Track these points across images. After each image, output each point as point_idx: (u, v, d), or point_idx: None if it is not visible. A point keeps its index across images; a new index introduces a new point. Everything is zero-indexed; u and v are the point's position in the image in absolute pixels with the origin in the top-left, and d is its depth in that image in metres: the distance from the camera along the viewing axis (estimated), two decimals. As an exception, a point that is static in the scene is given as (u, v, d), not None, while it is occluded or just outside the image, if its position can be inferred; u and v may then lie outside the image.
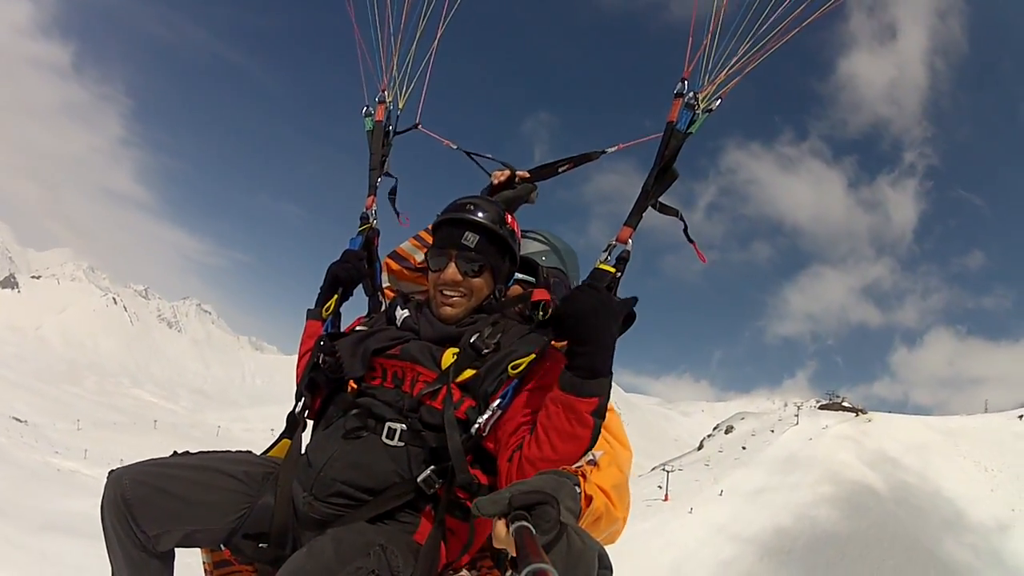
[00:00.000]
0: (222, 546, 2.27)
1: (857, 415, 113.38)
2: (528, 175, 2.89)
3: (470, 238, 2.37)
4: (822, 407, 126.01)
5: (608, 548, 1.68)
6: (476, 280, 2.39)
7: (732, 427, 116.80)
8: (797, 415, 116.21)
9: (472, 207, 2.43)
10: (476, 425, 2.11)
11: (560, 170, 2.89)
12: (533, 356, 2.17)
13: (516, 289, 2.69)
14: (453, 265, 2.37)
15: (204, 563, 2.45)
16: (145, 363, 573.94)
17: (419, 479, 2.10)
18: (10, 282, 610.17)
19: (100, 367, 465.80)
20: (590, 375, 2.01)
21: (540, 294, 2.48)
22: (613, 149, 2.76)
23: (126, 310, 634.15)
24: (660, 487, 74.00)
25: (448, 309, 2.38)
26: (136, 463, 2.24)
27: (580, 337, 2.05)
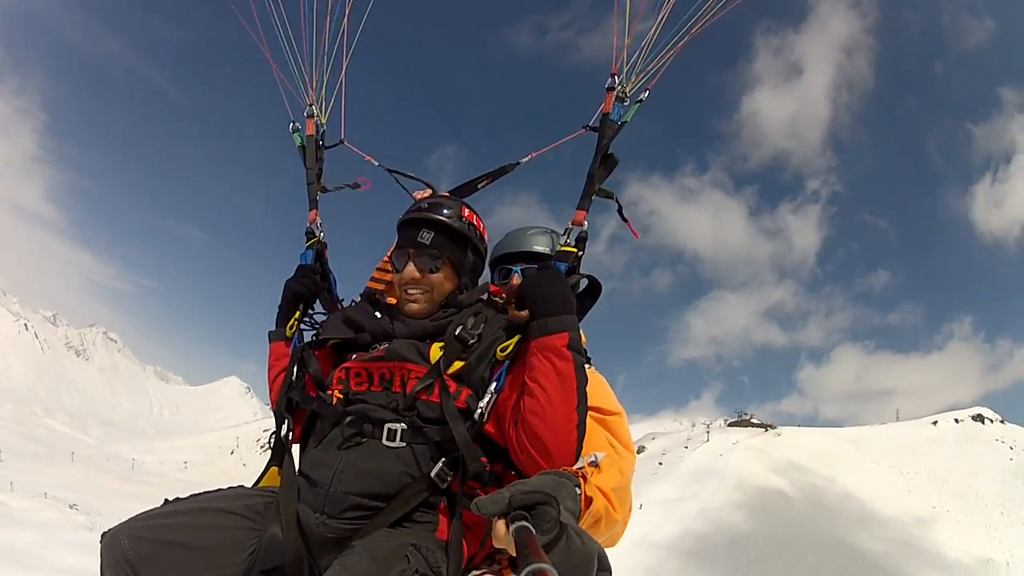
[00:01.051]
0: None
1: (766, 430, 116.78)
2: (448, 195, 2.87)
3: (425, 235, 2.44)
4: (731, 424, 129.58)
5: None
6: (435, 276, 2.44)
7: (643, 447, 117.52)
8: (707, 432, 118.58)
9: (428, 206, 2.51)
10: (478, 410, 2.15)
11: (480, 186, 2.91)
12: (519, 337, 2.23)
13: None
14: (411, 263, 2.44)
15: None
16: (56, 391, 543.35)
17: (432, 474, 2.11)
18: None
19: (14, 394, 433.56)
20: (551, 314, 2.12)
21: (494, 288, 2.64)
22: (527, 159, 2.83)
23: (37, 336, 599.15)
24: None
25: (412, 306, 2.43)
26: (129, 519, 2.13)
27: (533, 293, 2.18)
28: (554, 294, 2.16)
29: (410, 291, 2.44)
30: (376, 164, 3.05)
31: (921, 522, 77.68)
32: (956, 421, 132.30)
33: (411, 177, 2.95)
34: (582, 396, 2.07)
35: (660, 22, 2.56)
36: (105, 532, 2.08)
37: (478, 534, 2.12)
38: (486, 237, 2.66)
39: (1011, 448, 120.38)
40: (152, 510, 2.18)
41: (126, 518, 2.14)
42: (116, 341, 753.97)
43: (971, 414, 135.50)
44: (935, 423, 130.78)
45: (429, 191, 2.86)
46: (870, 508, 79.40)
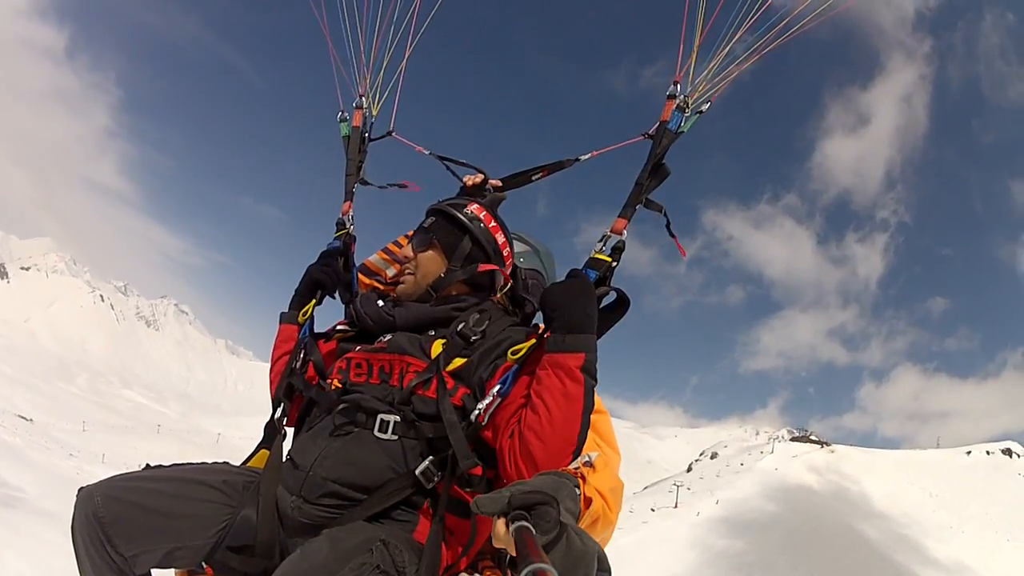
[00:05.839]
0: (204, 564, 2.16)
1: (822, 447, 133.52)
2: (500, 183, 2.79)
3: (427, 221, 2.48)
4: (793, 439, 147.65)
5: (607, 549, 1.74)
6: (422, 255, 2.43)
7: (716, 453, 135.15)
8: (772, 444, 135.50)
9: (440, 201, 2.53)
10: (476, 412, 2.05)
11: (534, 178, 2.81)
12: (533, 341, 2.12)
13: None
14: (408, 244, 2.48)
15: None
16: (131, 363, 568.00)
17: (417, 471, 2.03)
18: (1, 272, 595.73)
19: (88, 365, 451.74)
20: (570, 331, 2.00)
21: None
22: (587, 156, 2.71)
23: (112, 308, 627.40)
24: (671, 494, 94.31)
25: (400, 286, 2.45)
26: (106, 479, 2.11)
27: (556, 302, 2.06)
28: (577, 308, 2.04)
29: (404, 270, 2.48)
30: (427, 153, 2.97)
31: (933, 529, 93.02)
32: (987, 453, 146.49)
33: (462, 164, 2.87)
34: (585, 423, 1.98)
35: (734, 37, 2.48)
36: (81, 488, 2.05)
37: (461, 540, 2.08)
38: (499, 236, 2.52)
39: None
40: (131, 472, 2.17)
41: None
42: (187, 313, 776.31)
43: (1001, 447, 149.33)
44: (968, 452, 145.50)
45: (480, 176, 2.78)
46: (883, 510, 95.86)
